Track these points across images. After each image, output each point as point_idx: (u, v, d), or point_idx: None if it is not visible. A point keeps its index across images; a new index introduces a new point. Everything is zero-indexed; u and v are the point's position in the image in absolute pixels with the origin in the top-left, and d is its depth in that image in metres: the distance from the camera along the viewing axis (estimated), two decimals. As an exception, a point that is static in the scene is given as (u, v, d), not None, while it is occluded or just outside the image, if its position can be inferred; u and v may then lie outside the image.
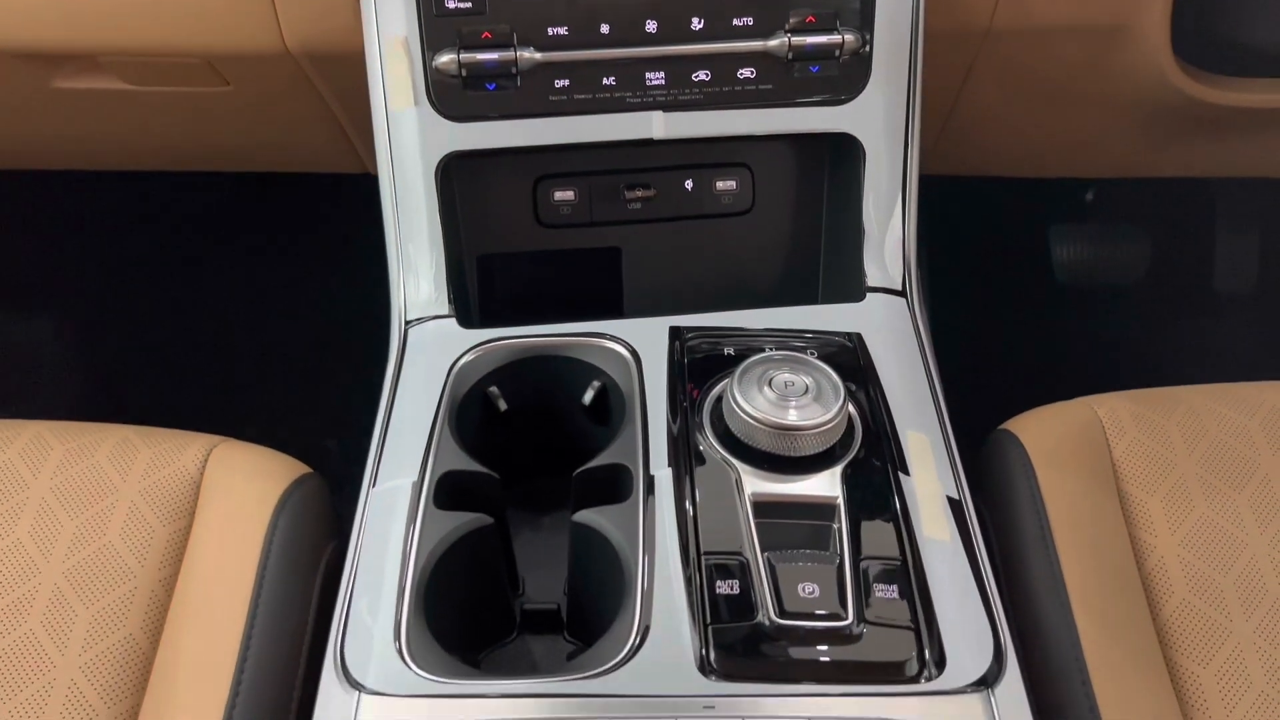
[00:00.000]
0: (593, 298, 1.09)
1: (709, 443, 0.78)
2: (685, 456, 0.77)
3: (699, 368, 0.85)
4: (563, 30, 0.92)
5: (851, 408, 0.80)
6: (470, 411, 0.86)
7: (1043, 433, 0.93)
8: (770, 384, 0.77)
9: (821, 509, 0.74)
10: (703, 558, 0.70)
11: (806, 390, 0.76)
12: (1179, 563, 0.86)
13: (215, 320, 1.78)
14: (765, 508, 0.73)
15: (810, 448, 0.75)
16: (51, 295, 1.80)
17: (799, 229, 1.07)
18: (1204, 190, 1.72)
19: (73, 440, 0.92)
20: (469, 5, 0.92)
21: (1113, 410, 0.95)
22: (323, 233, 1.76)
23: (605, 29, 0.93)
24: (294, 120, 1.18)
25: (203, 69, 1.06)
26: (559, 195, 1.03)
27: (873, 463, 0.77)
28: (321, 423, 1.58)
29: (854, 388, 0.83)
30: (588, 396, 0.89)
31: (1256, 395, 0.97)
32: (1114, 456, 0.92)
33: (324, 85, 1.08)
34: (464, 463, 0.79)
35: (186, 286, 1.81)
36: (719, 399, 0.80)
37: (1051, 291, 1.71)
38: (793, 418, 0.74)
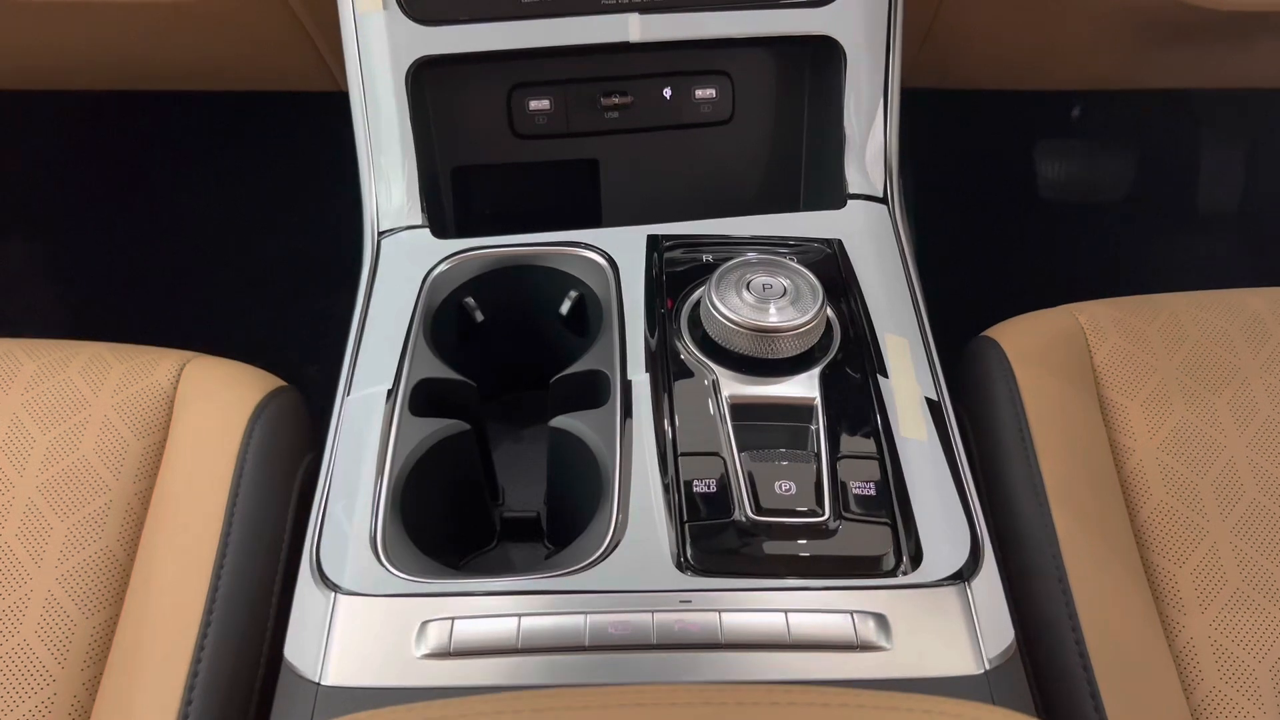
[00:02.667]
0: (571, 210, 1.07)
1: (686, 348, 0.77)
2: (662, 362, 0.76)
3: (677, 275, 0.84)
4: (534, -72, 0.90)
5: (830, 311, 0.79)
6: (446, 322, 0.85)
7: (1023, 338, 0.93)
8: (748, 287, 0.76)
9: (799, 410, 0.73)
10: (679, 458, 0.70)
11: (784, 293, 0.75)
12: (1157, 465, 0.86)
13: (190, 241, 1.75)
14: (742, 410, 0.73)
15: (788, 350, 0.74)
16: (21, 216, 1.77)
17: (780, 138, 1.05)
18: (1188, 105, 1.69)
19: (43, 356, 0.90)
20: None
21: (1094, 317, 0.94)
22: (298, 152, 1.72)
23: (577, -79, 0.90)
24: (260, 33, 1.15)
25: (163, -24, 1.02)
26: (534, 105, 1.01)
27: (851, 365, 0.76)
28: (301, 344, 1.56)
29: (833, 292, 0.82)
30: (565, 306, 0.88)
31: (1239, 300, 0.97)
32: (1094, 362, 0.92)
33: (292, -4, 1.05)
34: (440, 371, 0.78)
35: (158, 208, 1.77)
36: (697, 304, 0.79)
37: (1037, 207, 1.70)
38: (770, 319, 0.73)
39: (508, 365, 0.91)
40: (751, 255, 0.80)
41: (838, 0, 0.93)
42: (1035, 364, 0.89)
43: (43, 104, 1.48)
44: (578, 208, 1.07)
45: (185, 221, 1.76)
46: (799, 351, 0.75)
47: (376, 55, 0.91)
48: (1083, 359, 0.92)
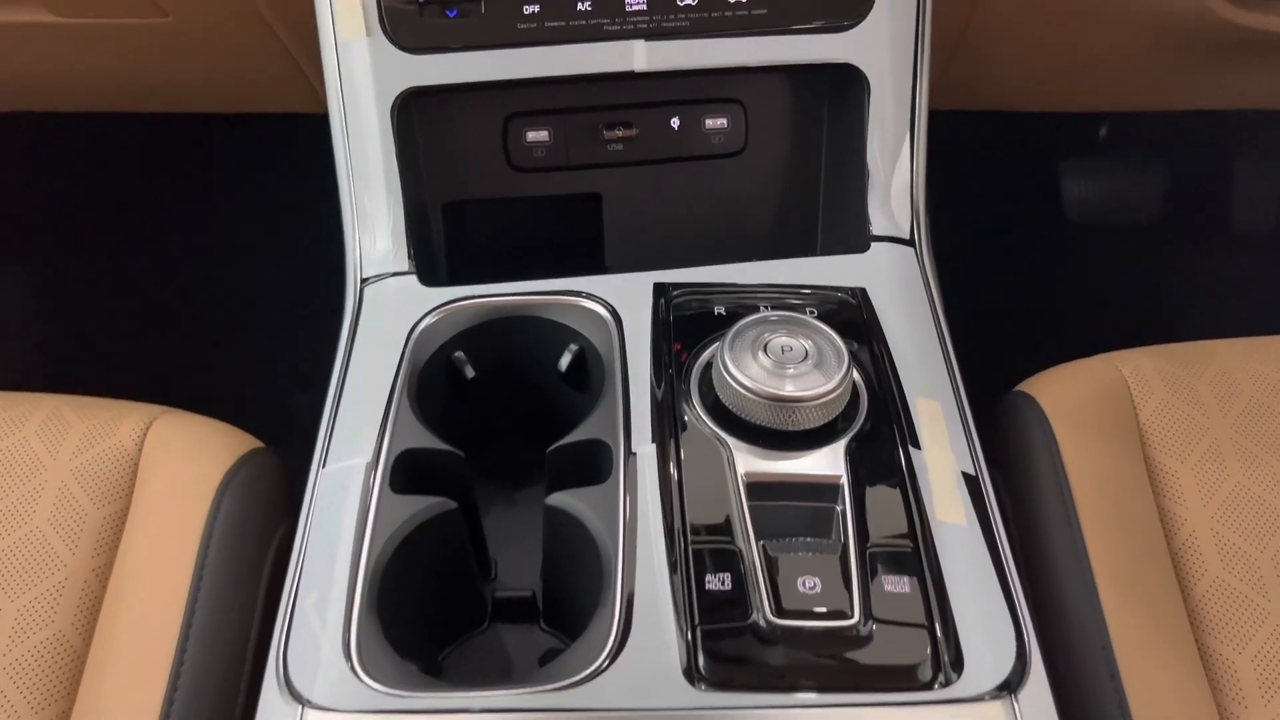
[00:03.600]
0: (571, 249, 0.99)
1: (697, 414, 0.70)
2: (671, 430, 0.69)
3: (686, 329, 0.77)
4: (530, -53, 0.82)
5: (856, 374, 0.72)
6: (433, 380, 0.78)
7: (1063, 394, 0.85)
8: (765, 349, 0.68)
9: (823, 490, 0.66)
10: (690, 548, 0.62)
11: (806, 355, 0.68)
12: (1212, 537, 0.79)
13: (169, 269, 1.67)
14: (760, 489, 0.66)
15: (810, 421, 0.67)
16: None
17: (796, 171, 0.98)
18: (1222, 123, 1.62)
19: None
20: None
21: (1138, 368, 0.87)
22: (282, 175, 1.65)
23: (578, -56, 0.83)
24: (242, 54, 1.07)
25: (136, -2, 0.95)
26: (532, 136, 0.93)
27: (880, 436, 0.69)
28: (286, 379, 1.49)
29: (858, 350, 0.74)
30: (564, 362, 0.80)
31: (1295, 349, 0.89)
32: (1140, 420, 0.84)
33: (270, 12, 0.97)
34: (424, 439, 0.71)
35: (135, 231, 1.70)
36: (708, 365, 0.72)
37: (1066, 231, 1.62)
38: (791, 388, 0.66)
39: (500, 425, 0.84)
40: (769, 312, 0.72)
41: (861, 25, 0.86)
42: (1077, 425, 0.82)
43: (9, 123, 1.41)
44: (579, 245, 1.00)
45: (165, 247, 1.69)
46: (822, 422, 0.67)
47: (360, 86, 0.84)
48: (1127, 417, 0.84)
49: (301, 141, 1.51)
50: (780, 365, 0.67)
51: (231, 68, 1.12)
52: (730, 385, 0.67)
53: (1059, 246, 1.63)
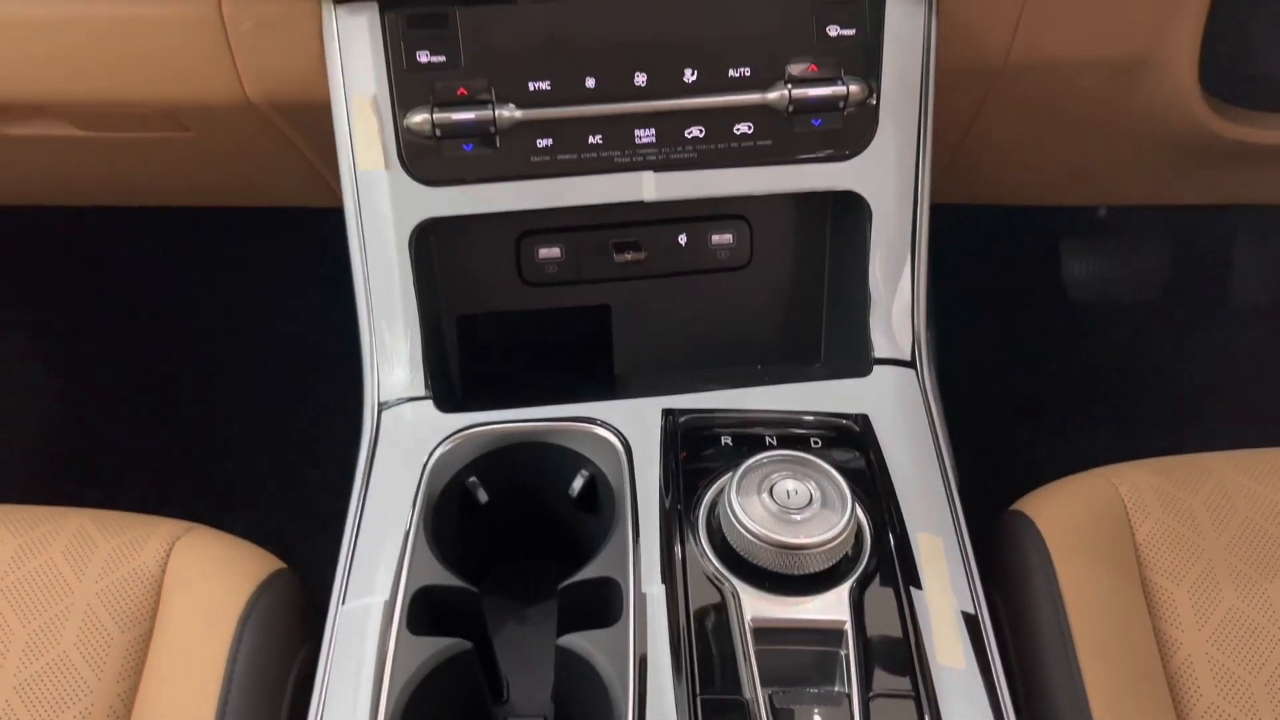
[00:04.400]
0: (582, 358, 1.02)
1: (705, 555, 0.72)
2: (680, 572, 0.71)
3: (694, 460, 0.79)
4: (545, 85, 0.85)
5: (859, 512, 0.74)
6: (448, 507, 0.81)
7: (1060, 516, 0.87)
8: (771, 492, 0.71)
9: (827, 635, 0.68)
10: (699, 701, 0.65)
11: (810, 500, 0.70)
12: (1207, 661, 0.81)
13: (197, 368, 1.70)
14: (766, 634, 0.68)
15: (814, 566, 0.69)
16: (17, 336, 1.73)
17: (800, 285, 1.01)
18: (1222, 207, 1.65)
19: (26, 532, 0.86)
20: (442, 59, 0.84)
21: (1134, 486, 0.89)
22: (308, 267, 1.68)
23: (591, 83, 0.85)
24: (262, 161, 1.11)
25: (159, 116, 0.98)
26: (544, 253, 0.96)
27: (882, 577, 0.71)
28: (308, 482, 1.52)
29: (861, 483, 0.77)
30: (576, 487, 0.83)
31: (1288, 464, 0.91)
32: (1136, 540, 0.86)
33: (291, 130, 1.01)
34: (440, 576, 0.73)
35: (160, 327, 1.73)
36: (715, 502, 0.74)
37: (1065, 310, 1.65)
38: (796, 534, 0.68)
39: (514, 547, 0.86)
40: (775, 451, 0.74)
41: (862, 154, 0.88)
42: (1074, 550, 0.84)
43: (35, 218, 1.45)
44: (588, 354, 1.02)
45: (187, 343, 1.71)
46: (827, 566, 0.70)
47: (379, 217, 0.86)
48: (1124, 538, 0.86)
49: (324, 232, 1.55)
50: (785, 510, 0.69)
51: (253, 173, 1.15)
52: (737, 530, 0.69)
53: (1057, 322, 1.65)
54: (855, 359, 0.91)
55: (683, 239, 0.97)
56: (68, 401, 1.68)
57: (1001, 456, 1.10)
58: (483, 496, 0.83)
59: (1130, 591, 0.83)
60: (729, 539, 0.71)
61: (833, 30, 0.87)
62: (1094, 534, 0.86)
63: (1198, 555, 0.85)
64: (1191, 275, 1.65)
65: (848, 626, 0.68)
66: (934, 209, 0.96)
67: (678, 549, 0.72)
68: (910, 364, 0.90)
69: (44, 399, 1.67)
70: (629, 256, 0.95)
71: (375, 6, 0.84)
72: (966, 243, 1.64)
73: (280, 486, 1.53)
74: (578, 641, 0.70)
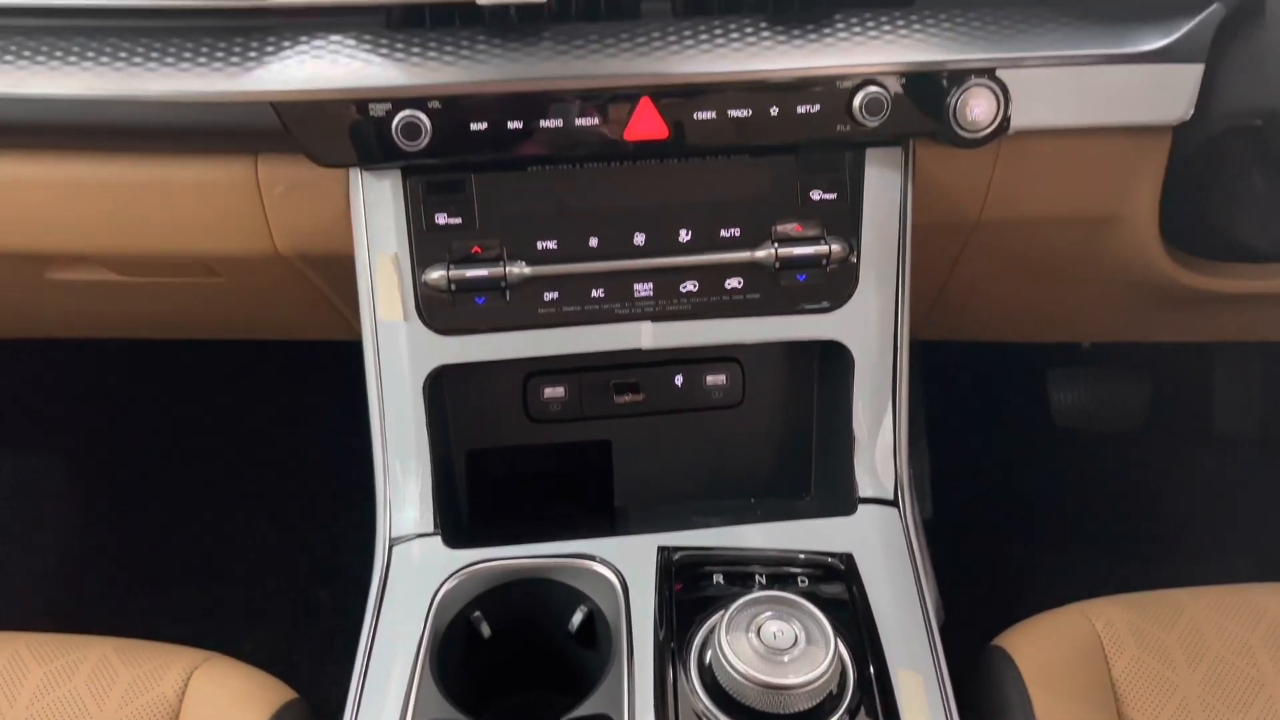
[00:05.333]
0: (584, 490, 1.07)
1: (696, 692, 0.76)
2: (672, 709, 0.75)
3: (688, 595, 0.84)
4: (552, 244, 0.93)
5: (843, 649, 0.78)
6: (453, 639, 0.85)
7: (1037, 652, 0.91)
8: (759, 632, 0.75)
9: (812, 775, 0.72)
10: None
11: (796, 640, 0.75)
12: (1183, 797, 0.83)
13: (216, 490, 1.76)
14: None
15: (799, 705, 0.73)
16: (46, 456, 1.80)
17: (790, 422, 1.07)
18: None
19: (51, 661, 0.90)
20: (459, 221, 0.92)
21: (1110, 623, 0.93)
22: (326, 395, 1.75)
23: (594, 242, 0.93)
24: (287, 301, 1.18)
25: (194, 264, 1.06)
26: (549, 392, 1.03)
27: (865, 715, 0.75)
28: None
29: (845, 621, 0.81)
30: (575, 622, 0.87)
31: (1259, 603, 0.95)
32: (1113, 676, 0.90)
33: (316, 277, 1.08)
34: (444, 711, 0.77)
35: (184, 449, 1.80)
36: (706, 640, 0.79)
37: (1054, 438, 1.71)
38: (783, 675, 0.73)
39: (515, 678, 0.90)
40: (762, 593, 0.79)
41: (844, 307, 0.95)
42: (1052, 686, 0.88)
43: (63, 349, 1.53)
44: (591, 485, 1.08)
45: (209, 472, 1.78)
46: (811, 705, 0.74)
47: (396, 364, 0.93)
48: (1100, 674, 0.90)
49: (345, 363, 1.61)
50: (773, 651, 0.74)
51: (278, 312, 1.23)
52: (726, 670, 0.74)
53: (1043, 448, 1.71)
54: (842, 497, 0.96)
55: (679, 380, 1.04)
56: (90, 519, 1.73)
57: (990, 579, 1.14)
58: (486, 631, 0.87)
59: (1105, 725, 0.87)
60: (718, 678, 0.75)
61: (815, 195, 0.94)
62: (1071, 670, 0.89)
63: (1172, 692, 0.89)
64: (1174, 406, 1.71)
65: (832, 764, 0.72)
66: (927, 343, 1.02)
67: (670, 686, 0.76)
68: (893, 503, 0.95)
69: (67, 517, 1.72)
70: (629, 397, 1.01)
71: (398, 172, 0.92)
72: (961, 372, 1.71)
73: (292, 607, 1.57)
74: None
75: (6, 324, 1.33)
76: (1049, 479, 1.69)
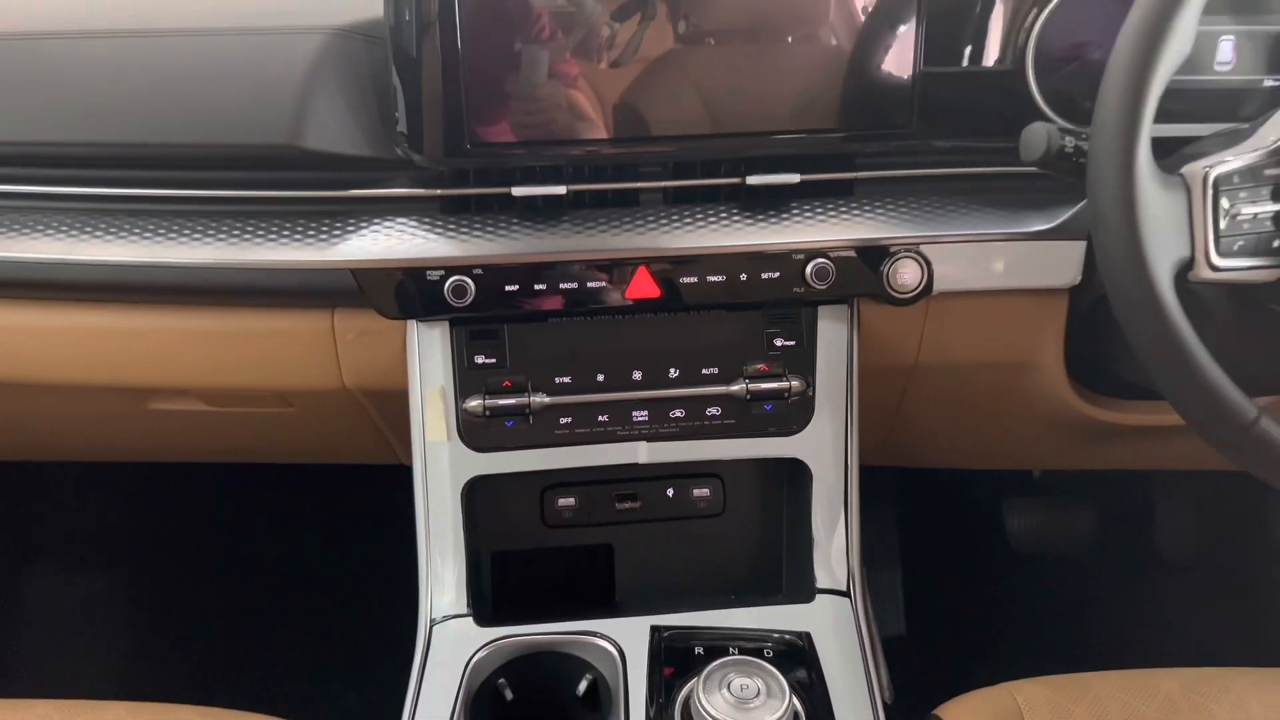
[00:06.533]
0: (590, 585, 1.28)
1: None
2: None
3: (675, 664, 1.03)
4: (567, 379, 1.16)
5: (796, 702, 0.97)
6: (482, 701, 1.04)
7: (969, 718, 1.09)
8: (729, 687, 0.94)
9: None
10: None
11: (758, 693, 0.94)
12: (1088, 841, 1.00)
13: (269, 592, 1.97)
14: None
15: (763, 743, 0.92)
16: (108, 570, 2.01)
17: (764, 529, 1.27)
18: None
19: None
20: (493, 361, 1.15)
21: (1030, 698, 1.11)
22: (366, 513, 1.98)
23: (600, 378, 1.16)
24: (345, 429, 1.41)
25: (272, 395, 1.29)
26: (562, 502, 1.24)
27: (814, 756, 0.94)
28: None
29: (800, 686, 1.00)
30: (581, 688, 1.06)
31: (1154, 682, 1.13)
32: (1031, 741, 1.08)
33: (371, 408, 1.31)
34: None
35: (239, 555, 2.01)
36: (688, 698, 0.97)
37: (1010, 557, 1.90)
38: (747, 717, 0.91)
39: None
40: (732, 657, 0.98)
41: (803, 432, 1.18)
42: (978, 748, 1.05)
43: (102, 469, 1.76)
44: (596, 582, 1.28)
45: (263, 576, 1.98)
46: (770, 744, 0.92)
47: (441, 475, 1.15)
48: None
49: (383, 485, 1.83)
50: (740, 701, 0.93)
51: (334, 439, 1.45)
52: (704, 716, 0.92)
53: (1001, 572, 1.90)
54: (804, 587, 1.16)
55: (670, 492, 1.25)
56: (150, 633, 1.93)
57: (947, 674, 1.32)
58: (509, 694, 1.06)
59: (1023, 783, 1.04)
60: (697, 728, 0.94)
61: (778, 341, 1.18)
62: (995, 735, 1.07)
63: (1079, 753, 1.06)
64: (1121, 532, 1.91)
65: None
66: (895, 470, 1.23)
67: None
68: (845, 594, 1.15)
69: (131, 615, 1.91)
70: (628, 505, 1.22)
71: (446, 323, 1.16)
72: (929, 499, 1.92)
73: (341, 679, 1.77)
74: None
75: (105, 449, 1.56)
76: (1009, 599, 1.88)
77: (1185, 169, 0.90)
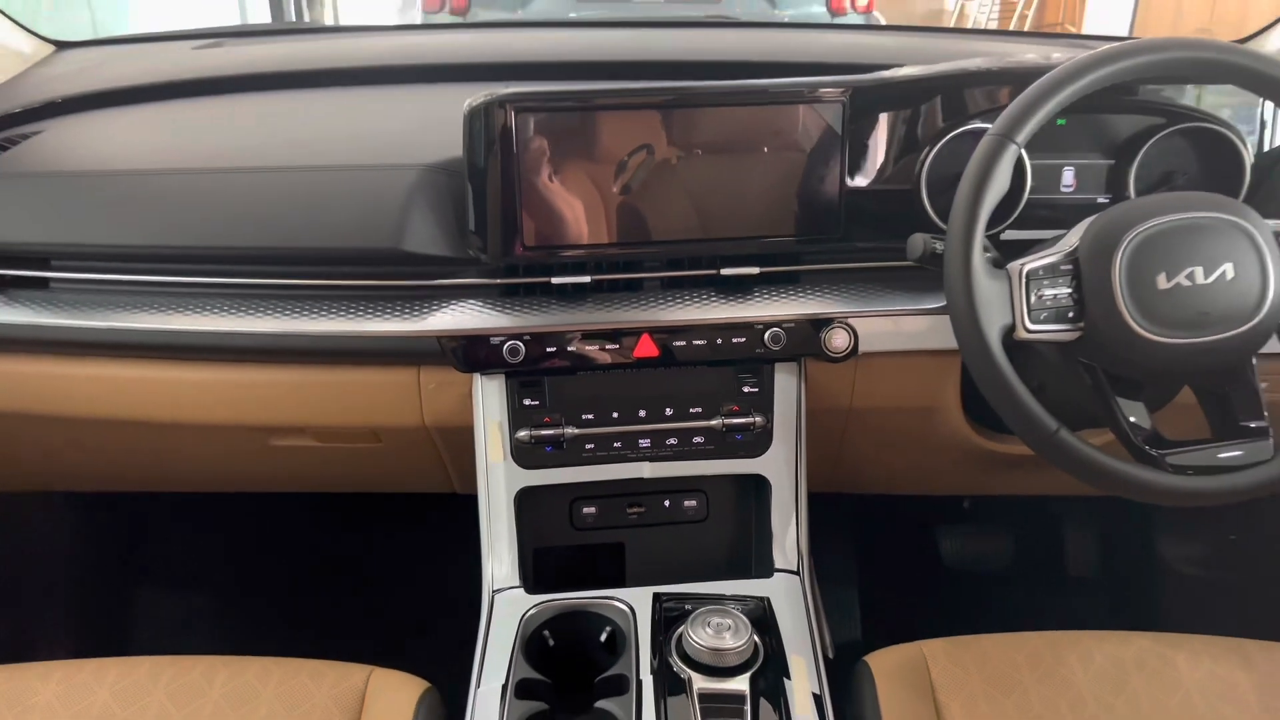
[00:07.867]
0: (608, 570, 1.68)
1: (675, 662, 1.35)
2: (661, 675, 1.34)
3: (672, 617, 1.43)
4: (590, 416, 1.57)
5: (757, 638, 1.37)
6: (533, 645, 1.43)
7: (888, 662, 1.48)
8: (709, 625, 1.35)
9: (738, 698, 1.30)
10: None
11: (729, 627, 1.34)
12: (970, 745, 1.39)
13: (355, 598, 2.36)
14: (706, 698, 1.29)
15: (732, 661, 1.32)
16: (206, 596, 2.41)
17: (736, 527, 1.68)
18: (1050, 500, 2.36)
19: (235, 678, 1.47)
20: (537, 403, 1.57)
21: (933, 650, 1.50)
22: (424, 533, 2.39)
23: (615, 415, 1.58)
24: (416, 460, 1.82)
25: (367, 432, 1.71)
26: (586, 510, 1.65)
27: (769, 673, 1.34)
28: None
29: (760, 627, 1.40)
30: (603, 636, 1.46)
31: (1026, 641, 1.53)
32: (932, 677, 1.47)
33: (441, 442, 1.73)
34: (530, 674, 1.35)
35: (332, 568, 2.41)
36: (680, 634, 1.37)
37: (944, 578, 2.32)
38: (722, 644, 1.32)
39: (568, 670, 1.48)
40: (711, 605, 1.39)
41: (764, 455, 1.59)
42: (892, 680, 1.44)
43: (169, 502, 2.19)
44: (612, 568, 1.68)
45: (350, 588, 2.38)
46: (739, 662, 1.32)
47: (498, 486, 1.56)
48: (923, 675, 1.47)
49: (432, 508, 2.24)
50: (717, 633, 1.33)
51: (405, 468, 1.87)
52: (691, 643, 1.33)
53: (938, 590, 2.31)
54: (765, 567, 1.57)
55: (666, 502, 1.66)
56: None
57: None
58: (551, 642, 1.46)
59: (924, 705, 1.43)
60: (687, 651, 1.34)
61: (746, 389, 1.60)
62: (906, 673, 1.46)
63: (965, 684, 1.46)
64: (1036, 553, 2.32)
65: (747, 694, 1.29)
66: (838, 496, 1.64)
67: (661, 665, 1.35)
68: (795, 572, 1.55)
69: (226, 622, 2.31)
70: (635, 512, 1.64)
71: (503, 376, 1.58)
72: (876, 527, 2.33)
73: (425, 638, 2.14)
74: (608, 705, 1.31)
75: (227, 481, 1.97)
76: (944, 608, 2.28)
77: (1009, 265, 1.33)
